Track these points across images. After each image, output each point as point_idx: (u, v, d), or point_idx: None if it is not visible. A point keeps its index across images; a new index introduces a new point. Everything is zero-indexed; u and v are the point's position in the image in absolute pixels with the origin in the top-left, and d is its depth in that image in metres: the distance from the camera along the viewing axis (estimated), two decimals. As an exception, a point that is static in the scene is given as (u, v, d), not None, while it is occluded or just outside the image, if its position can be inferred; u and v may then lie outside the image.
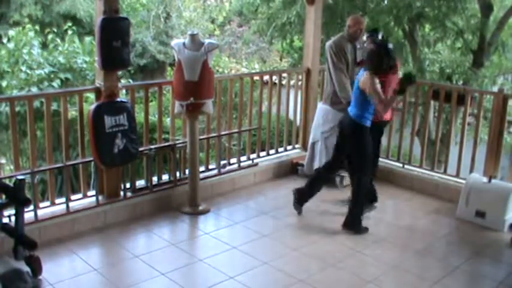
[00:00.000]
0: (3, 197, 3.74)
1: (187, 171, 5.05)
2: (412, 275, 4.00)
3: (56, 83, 7.81)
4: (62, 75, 7.94)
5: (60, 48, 8.33)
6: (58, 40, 8.54)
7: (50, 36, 8.53)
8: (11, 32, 8.45)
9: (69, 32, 8.63)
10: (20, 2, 12.34)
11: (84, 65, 8.15)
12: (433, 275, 3.98)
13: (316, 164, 5.65)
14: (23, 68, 7.78)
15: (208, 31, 14.22)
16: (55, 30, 8.78)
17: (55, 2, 12.90)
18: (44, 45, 8.88)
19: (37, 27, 8.92)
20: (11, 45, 8.15)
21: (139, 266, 3.98)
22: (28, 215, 3.97)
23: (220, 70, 9.75)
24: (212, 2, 15.20)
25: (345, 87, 5.38)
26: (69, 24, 8.99)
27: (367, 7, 8.73)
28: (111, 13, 4.24)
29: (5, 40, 8.27)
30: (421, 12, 8.30)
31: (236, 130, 5.66)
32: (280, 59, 13.97)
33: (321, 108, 5.70)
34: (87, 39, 8.77)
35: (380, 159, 5.41)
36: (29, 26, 8.69)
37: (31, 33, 8.36)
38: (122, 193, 4.71)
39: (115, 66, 4.44)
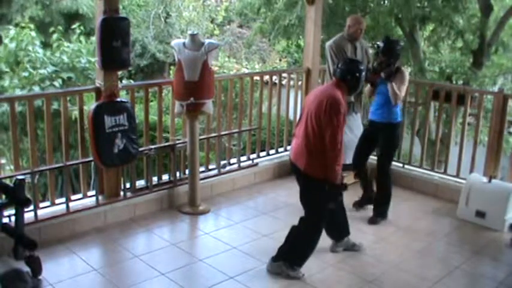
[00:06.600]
0: (3, 197, 3.74)
1: (187, 171, 5.05)
2: (412, 275, 4.00)
3: (58, 83, 7.80)
4: (64, 75, 7.93)
5: (65, 48, 8.32)
6: (62, 39, 8.53)
7: (55, 36, 8.51)
8: (12, 32, 8.43)
9: (77, 31, 8.63)
10: (21, 3, 12.29)
11: (88, 65, 8.14)
12: (433, 275, 3.98)
13: None
14: (27, 66, 7.76)
15: (208, 31, 14.20)
16: (60, 28, 8.73)
17: (55, 1, 12.85)
18: (45, 45, 8.87)
19: (37, 27, 8.89)
20: (12, 45, 8.13)
21: (139, 266, 3.98)
22: (28, 215, 3.97)
23: (226, 72, 9.67)
24: (212, 1, 15.18)
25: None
26: (78, 24, 8.98)
27: (367, 7, 8.73)
28: (111, 13, 4.24)
29: (6, 40, 8.22)
30: (423, 14, 8.29)
31: (236, 130, 5.66)
32: (280, 60, 13.95)
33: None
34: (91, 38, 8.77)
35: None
36: (29, 25, 8.67)
37: (32, 33, 8.34)
38: (122, 193, 4.71)
39: (115, 66, 4.44)
